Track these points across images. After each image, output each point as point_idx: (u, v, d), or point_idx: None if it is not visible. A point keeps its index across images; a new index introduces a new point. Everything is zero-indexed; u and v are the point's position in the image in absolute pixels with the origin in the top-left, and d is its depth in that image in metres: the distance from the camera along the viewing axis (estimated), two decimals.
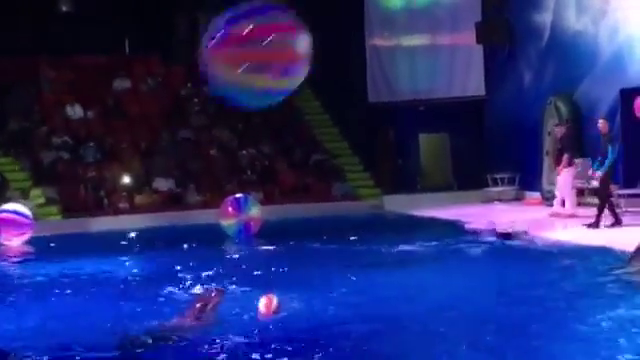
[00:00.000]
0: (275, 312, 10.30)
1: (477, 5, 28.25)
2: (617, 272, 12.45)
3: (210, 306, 10.06)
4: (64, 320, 11.29)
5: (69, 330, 10.57)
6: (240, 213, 20.72)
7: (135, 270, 16.45)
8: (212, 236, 20.40)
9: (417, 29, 29.95)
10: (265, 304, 10.35)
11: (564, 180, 20.65)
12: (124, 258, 17.95)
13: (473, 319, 10.12)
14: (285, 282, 13.17)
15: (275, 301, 10.38)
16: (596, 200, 20.73)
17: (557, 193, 21.02)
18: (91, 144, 28.20)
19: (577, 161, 22.15)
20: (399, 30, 30.36)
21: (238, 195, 21.49)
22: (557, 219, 20.08)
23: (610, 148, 18.11)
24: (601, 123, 18.55)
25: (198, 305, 10.10)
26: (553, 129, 21.97)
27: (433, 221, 22.54)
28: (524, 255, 15.60)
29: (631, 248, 13.28)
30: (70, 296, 13.22)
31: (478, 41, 27.70)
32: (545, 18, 24.97)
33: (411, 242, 17.49)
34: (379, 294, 12.13)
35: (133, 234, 22.59)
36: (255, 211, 20.94)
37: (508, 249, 16.46)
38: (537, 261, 14.70)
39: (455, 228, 20.13)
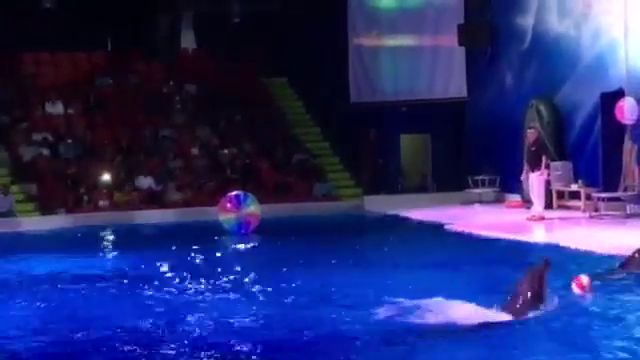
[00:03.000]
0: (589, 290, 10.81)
1: (460, 7, 28.26)
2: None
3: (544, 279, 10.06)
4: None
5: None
6: (239, 209, 20.99)
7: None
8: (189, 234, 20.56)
9: (400, 30, 29.95)
10: (580, 284, 10.84)
11: (535, 182, 20.71)
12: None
13: None
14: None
15: (585, 281, 10.87)
16: (575, 202, 20.95)
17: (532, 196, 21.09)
18: (69, 141, 28.08)
19: (556, 164, 22.28)
20: (382, 31, 30.36)
21: (237, 192, 21.66)
22: (534, 222, 20.19)
23: None
24: None
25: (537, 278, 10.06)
26: (526, 132, 22.02)
27: (411, 222, 22.62)
28: None
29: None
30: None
31: (460, 43, 27.71)
32: (527, 21, 25.02)
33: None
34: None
35: (110, 232, 22.59)
36: (254, 208, 21.20)
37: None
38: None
39: (435, 230, 20.24)
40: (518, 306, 9.81)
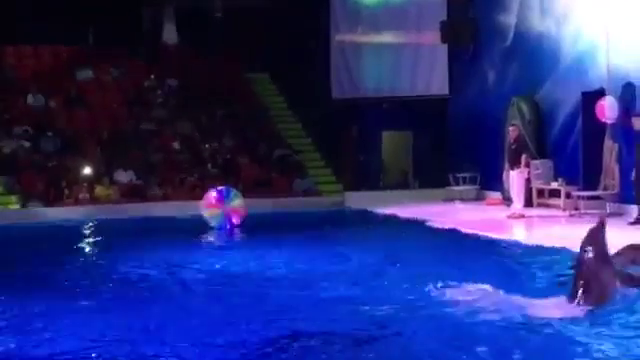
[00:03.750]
0: None
1: (442, 5, 28.29)
2: None
3: None
4: None
5: None
6: (223, 204, 21.00)
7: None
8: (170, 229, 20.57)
9: (382, 27, 29.98)
10: None
11: (515, 180, 20.78)
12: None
13: None
14: None
15: None
16: (555, 200, 21.04)
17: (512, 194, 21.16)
18: (50, 134, 27.97)
19: (536, 162, 22.36)
20: (364, 27, 30.40)
21: (221, 187, 21.67)
22: (514, 220, 20.27)
23: None
24: (635, 120, 18.33)
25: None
26: (507, 130, 22.09)
27: (394, 219, 22.66)
28: None
29: None
30: None
31: (443, 40, 27.76)
32: (509, 19, 25.09)
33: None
34: None
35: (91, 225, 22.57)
36: (238, 202, 21.20)
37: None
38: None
39: (416, 226, 20.32)
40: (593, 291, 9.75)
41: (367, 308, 10.65)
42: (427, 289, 11.25)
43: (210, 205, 21.20)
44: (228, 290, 12.56)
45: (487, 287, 10.85)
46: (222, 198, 21.17)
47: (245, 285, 12.90)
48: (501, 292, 10.65)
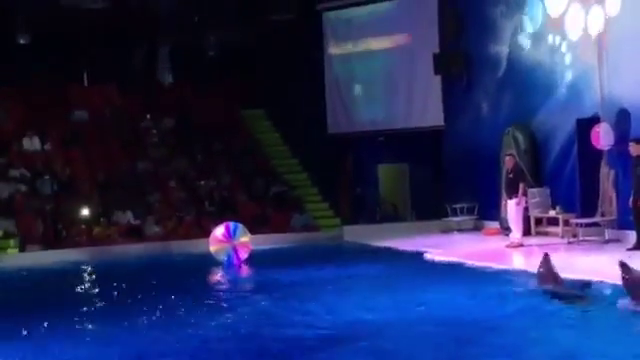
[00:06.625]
0: None
1: (435, 36, 28.41)
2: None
3: None
4: None
5: None
6: (229, 240, 21.05)
7: None
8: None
9: (376, 60, 30.09)
10: None
11: (513, 210, 20.75)
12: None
13: None
14: None
15: None
16: (554, 228, 21.04)
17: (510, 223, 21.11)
18: (47, 177, 27.94)
19: (533, 190, 22.35)
20: (358, 62, 30.51)
21: (227, 222, 21.73)
22: (513, 249, 20.20)
23: None
24: (632, 146, 18.33)
25: None
26: (504, 159, 22.07)
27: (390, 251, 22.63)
28: None
29: None
30: None
31: (436, 72, 27.86)
32: (502, 49, 25.17)
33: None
34: None
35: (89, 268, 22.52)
36: (245, 238, 21.25)
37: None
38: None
39: (414, 258, 20.26)
40: None
41: None
42: None
43: (218, 241, 21.28)
44: None
45: None
46: (229, 233, 21.27)
47: None
48: None
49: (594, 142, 20.06)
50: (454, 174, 27.93)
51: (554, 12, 22.38)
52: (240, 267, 20.84)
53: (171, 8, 29.91)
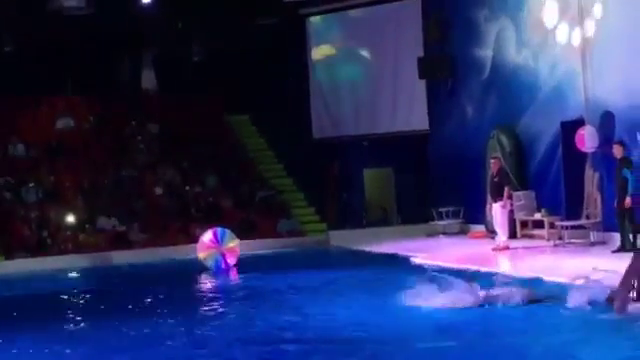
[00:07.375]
0: None
1: (419, 40, 28.46)
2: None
3: None
4: None
5: None
6: (217, 245, 21.10)
7: None
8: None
9: (361, 65, 30.14)
10: None
11: (498, 213, 20.78)
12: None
13: None
14: None
15: None
16: (539, 231, 21.07)
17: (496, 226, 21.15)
18: (31, 184, 27.83)
19: (519, 193, 22.40)
20: (342, 66, 30.55)
21: (214, 228, 21.77)
22: (499, 252, 20.25)
23: (627, 171, 17.91)
24: (615, 148, 18.37)
25: None
26: (489, 162, 22.12)
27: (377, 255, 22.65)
28: None
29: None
30: None
31: (421, 76, 27.87)
32: (486, 53, 25.22)
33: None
34: None
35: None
36: (232, 243, 21.29)
37: None
38: None
39: (400, 262, 20.29)
40: None
41: None
42: None
43: (206, 247, 21.30)
44: None
45: None
46: (217, 239, 21.30)
47: None
48: None
49: (578, 145, 20.12)
50: (439, 178, 27.96)
51: (538, 15, 22.47)
52: (228, 272, 20.82)
53: (155, 14, 29.83)
